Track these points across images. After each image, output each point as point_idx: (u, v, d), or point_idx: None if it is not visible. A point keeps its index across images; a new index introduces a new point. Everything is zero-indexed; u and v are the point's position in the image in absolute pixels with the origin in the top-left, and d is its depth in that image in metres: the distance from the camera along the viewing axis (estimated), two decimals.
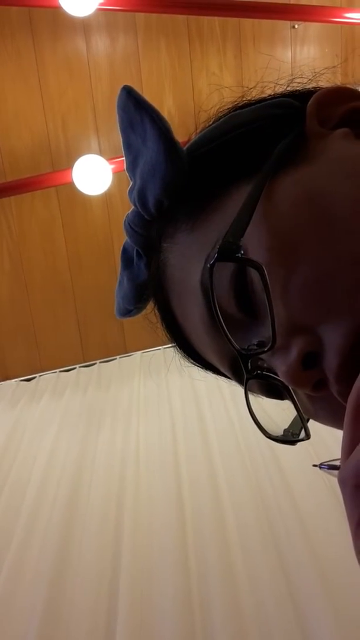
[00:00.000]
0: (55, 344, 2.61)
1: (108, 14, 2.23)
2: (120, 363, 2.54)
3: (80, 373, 2.55)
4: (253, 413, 0.41)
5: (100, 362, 2.59)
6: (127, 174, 0.48)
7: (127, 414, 2.06)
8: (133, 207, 0.47)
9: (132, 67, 2.33)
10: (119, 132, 0.46)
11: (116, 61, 2.33)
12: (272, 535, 1.37)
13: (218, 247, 0.35)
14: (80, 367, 2.60)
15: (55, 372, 2.60)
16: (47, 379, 2.55)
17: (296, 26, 2.33)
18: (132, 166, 0.46)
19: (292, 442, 0.43)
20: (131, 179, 0.47)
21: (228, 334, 0.36)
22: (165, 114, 2.38)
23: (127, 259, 0.51)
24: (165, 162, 0.42)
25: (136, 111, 0.43)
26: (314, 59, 2.41)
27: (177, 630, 1.16)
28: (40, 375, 2.60)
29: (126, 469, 1.74)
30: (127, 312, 0.53)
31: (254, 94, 0.46)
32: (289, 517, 1.40)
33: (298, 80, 0.47)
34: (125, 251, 0.51)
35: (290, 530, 1.37)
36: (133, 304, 0.52)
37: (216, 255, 0.35)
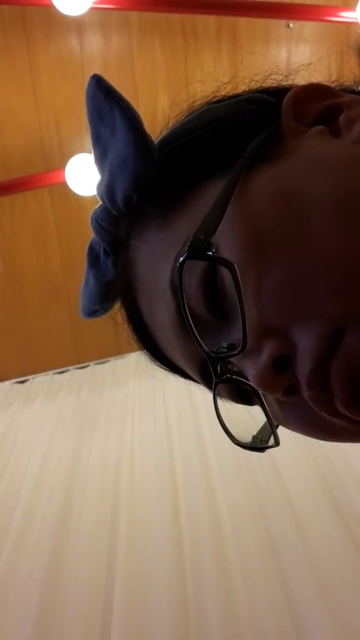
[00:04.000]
0: (49, 346, 2.59)
1: (101, 13, 2.22)
2: (115, 365, 2.52)
3: (74, 375, 2.53)
4: (222, 419, 0.39)
5: (95, 364, 2.57)
6: (95, 167, 0.46)
7: (122, 416, 2.05)
8: (100, 202, 0.45)
9: (125, 67, 2.31)
10: (87, 124, 0.44)
11: (110, 60, 2.31)
12: (267, 537, 1.37)
13: (188, 244, 0.34)
14: (74, 369, 2.58)
15: (49, 374, 2.58)
16: (41, 381, 2.53)
17: (291, 25, 2.32)
18: (100, 159, 0.44)
19: (261, 449, 0.41)
20: (100, 173, 0.45)
21: (197, 335, 0.34)
22: (159, 113, 2.38)
23: (93, 257, 0.49)
24: (134, 156, 0.40)
25: (106, 101, 0.42)
26: (309, 59, 2.40)
27: (172, 632, 1.16)
28: (33, 377, 2.58)
29: (121, 471, 1.73)
30: (92, 312, 0.52)
31: (229, 89, 0.45)
32: (285, 518, 1.40)
33: (274, 77, 0.45)
34: (91, 249, 0.49)
35: (286, 531, 1.37)
36: (99, 303, 0.50)
37: (186, 253, 0.33)
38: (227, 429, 0.39)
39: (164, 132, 0.44)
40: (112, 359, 2.58)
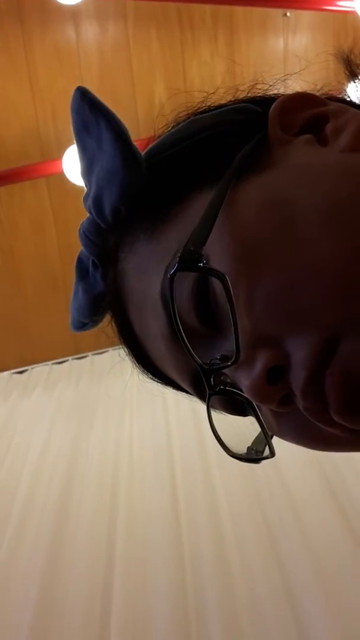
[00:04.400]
0: (47, 336, 2.59)
1: (98, 2, 2.21)
2: (113, 355, 2.52)
3: (72, 365, 2.53)
4: (216, 431, 0.39)
5: (93, 354, 2.57)
6: (82, 180, 0.46)
7: (121, 406, 2.05)
8: (88, 214, 0.45)
9: (122, 56, 2.30)
10: (73, 136, 0.44)
11: (106, 50, 2.30)
12: (265, 524, 1.38)
13: (179, 256, 0.33)
14: (72, 359, 2.58)
15: (48, 364, 2.58)
16: (40, 372, 2.53)
17: (288, 14, 2.31)
18: (87, 171, 0.44)
19: (256, 460, 0.41)
20: (86, 185, 0.45)
21: (189, 347, 0.34)
22: (156, 103, 2.37)
23: (82, 270, 0.49)
24: (122, 167, 0.40)
25: (91, 113, 0.41)
26: (306, 48, 2.39)
27: (171, 617, 1.17)
28: (32, 368, 2.58)
29: (120, 461, 1.74)
30: (82, 326, 0.51)
31: (215, 99, 0.45)
32: (283, 506, 1.41)
33: (259, 86, 0.45)
34: (80, 261, 0.49)
35: (283, 518, 1.38)
36: (88, 316, 0.50)
37: (177, 264, 0.33)
38: (221, 440, 0.39)
39: (151, 143, 0.44)
40: (110, 349, 2.58)
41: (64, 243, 2.48)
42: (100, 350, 2.59)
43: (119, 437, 1.87)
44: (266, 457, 0.40)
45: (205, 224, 0.34)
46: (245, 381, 0.34)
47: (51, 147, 2.31)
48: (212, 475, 1.56)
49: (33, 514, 1.56)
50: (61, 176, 2.11)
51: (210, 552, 1.31)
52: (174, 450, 1.73)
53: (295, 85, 0.48)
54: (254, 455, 0.41)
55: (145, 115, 2.26)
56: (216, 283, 0.33)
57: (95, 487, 1.63)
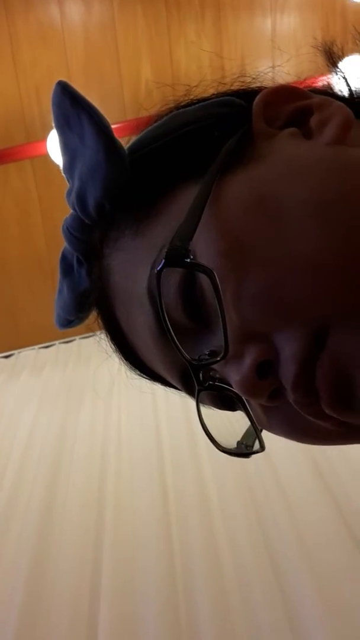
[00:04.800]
0: (34, 320, 2.57)
1: None
2: (100, 338, 2.51)
3: (59, 349, 2.53)
4: (205, 426, 0.39)
5: (80, 338, 2.57)
6: (64, 175, 0.45)
7: (109, 389, 2.05)
8: (72, 211, 0.44)
9: (107, 35, 2.27)
10: (55, 130, 0.43)
11: (91, 29, 2.26)
12: (255, 511, 1.37)
13: (165, 251, 0.33)
14: (59, 343, 2.58)
15: (34, 348, 2.58)
16: (26, 356, 2.53)
17: None
18: (69, 167, 0.43)
19: (246, 455, 0.41)
20: (69, 181, 0.44)
21: (178, 343, 0.34)
22: (142, 84, 2.33)
23: (66, 266, 0.48)
24: (105, 162, 0.40)
25: (72, 108, 0.41)
26: (294, 28, 2.37)
27: (161, 618, 1.14)
28: (18, 352, 2.57)
29: (108, 445, 1.74)
30: (67, 323, 0.51)
31: (197, 92, 0.44)
32: (274, 498, 1.39)
33: (242, 79, 0.45)
34: (64, 258, 0.48)
35: (269, 494, 1.38)
36: (74, 314, 0.49)
37: (163, 260, 0.33)
38: (211, 435, 0.39)
39: (134, 137, 0.43)
40: (97, 332, 2.57)
41: (50, 225, 2.46)
42: (88, 334, 2.58)
43: (106, 420, 1.87)
44: (256, 452, 0.40)
45: (191, 219, 0.34)
46: (234, 376, 0.34)
47: (35, 128, 2.28)
48: (202, 464, 1.55)
49: (19, 502, 1.56)
50: (46, 158, 2.09)
51: (199, 539, 1.31)
52: (163, 436, 1.73)
53: (283, 69, 0.47)
54: (244, 449, 0.41)
55: (132, 96, 2.24)
56: (203, 278, 0.33)
57: (83, 474, 1.62)
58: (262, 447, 0.39)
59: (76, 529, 1.42)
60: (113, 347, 0.48)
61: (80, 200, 0.42)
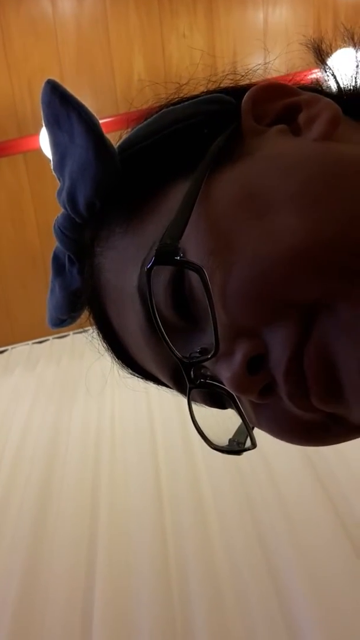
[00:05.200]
0: (27, 316, 2.57)
1: None
2: (93, 337, 2.51)
3: (53, 344, 2.53)
4: (197, 424, 0.39)
5: (74, 334, 2.56)
6: (54, 174, 0.45)
7: (102, 384, 2.04)
8: (63, 209, 0.44)
9: (99, 29, 2.26)
10: (45, 129, 0.43)
11: (83, 23, 2.25)
12: (247, 500, 1.38)
13: (155, 249, 0.33)
14: (53, 338, 2.58)
15: (28, 344, 2.57)
16: (20, 351, 2.53)
17: None
18: (59, 165, 0.44)
19: (238, 452, 0.41)
20: (59, 180, 0.44)
21: (169, 341, 0.34)
22: (134, 77, 2.32)
23: (58, 266, 0.48)
24: (95, 160, 0.40)
25: (62, 107, 0.41)
26: (286, 21, 2.37)
27: (156, 620, 1.13)
28: (12, 347, 2.57)
29: (102, 439, 1.74)
30: (60, 322, 0.51)
31: (187, 90, 0.44)
32: (270, 500, 1.38)
33: (230, 76, 0.45)
34: (56, 257, 0.48)
35: (265, 496, 1.38)
36: (66, 313, 0.49)
37: (153, 258, 0.33)
38: (203, 433, 0.39)
39: (124, 136, 0.43)
40: (91, 327, 2.56)
41: (42, 220, 2.45)
42: (81, 330, 2.58)
43: (100, 414, 1.87)
44: (248, 449, 0.41)
45: (181, 217, 0.34)
46: (225, 373, 0.34)
47: (28, 122, 2.27)
48: (195, 455, 1.56)
49: (15, 493, 1.56)
50: (39, 152, 2.08)
51: (193, 528, 1.31)
52: (156, 429, 1.73)
53: (274, 65, 0.47)
54: (236, 447, 0.41)
55: (124, 90, 2.23)
56: (193, 276, 0.33)
57: (77, 467, 1.63)
58: (254, 445, 0.40)
59: (70, 528, 1.42)
60: (105, 346, 0.48)
61: (70, 199, 0.42)
